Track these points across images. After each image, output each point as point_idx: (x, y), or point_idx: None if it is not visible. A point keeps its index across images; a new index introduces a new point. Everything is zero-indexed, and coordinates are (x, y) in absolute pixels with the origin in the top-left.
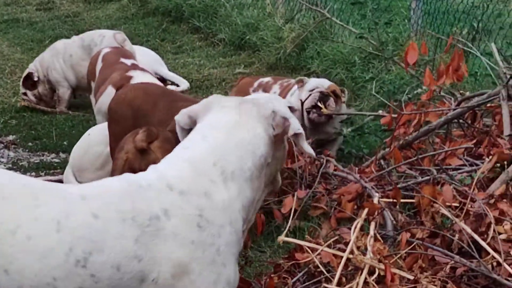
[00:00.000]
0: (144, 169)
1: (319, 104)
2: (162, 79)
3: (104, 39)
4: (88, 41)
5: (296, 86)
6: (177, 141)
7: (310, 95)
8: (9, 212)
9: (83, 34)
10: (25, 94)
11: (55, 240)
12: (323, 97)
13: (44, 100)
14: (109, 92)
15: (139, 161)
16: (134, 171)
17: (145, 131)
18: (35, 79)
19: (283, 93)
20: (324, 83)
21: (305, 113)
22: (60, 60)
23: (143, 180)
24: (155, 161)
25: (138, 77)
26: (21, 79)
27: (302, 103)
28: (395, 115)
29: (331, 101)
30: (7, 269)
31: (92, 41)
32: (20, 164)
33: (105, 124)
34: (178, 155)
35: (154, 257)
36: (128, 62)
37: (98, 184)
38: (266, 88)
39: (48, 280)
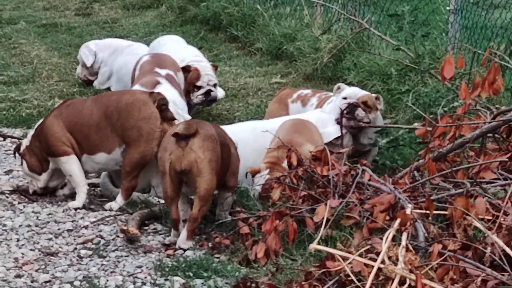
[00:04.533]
0: (186, 169)
1: (346, 114)
2: None
3: None
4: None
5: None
6: (220, 139)
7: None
8: None
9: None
10: None
11: None
12: (352, 107)
13: None
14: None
15: (181, 161)
16: (176, 171)
17: (185, 124)
18: None
19: (320, 105)
20: (357, 93)
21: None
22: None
23: None
24: (196, 160)
25: (163, 87)
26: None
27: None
28: (430, 128)
29: (359, 111)
30: None
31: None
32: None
33: None
34: None
35: None
36: (163, 72)
37: None
38: (304, 100)
39: None
